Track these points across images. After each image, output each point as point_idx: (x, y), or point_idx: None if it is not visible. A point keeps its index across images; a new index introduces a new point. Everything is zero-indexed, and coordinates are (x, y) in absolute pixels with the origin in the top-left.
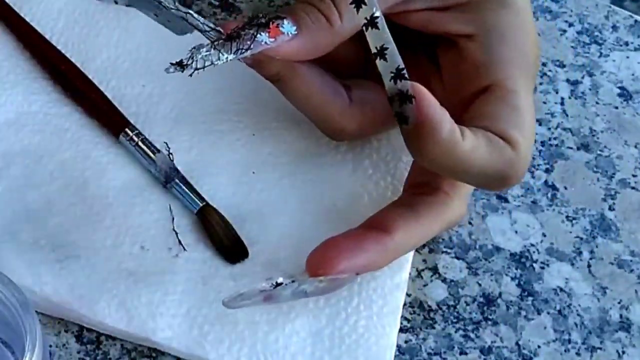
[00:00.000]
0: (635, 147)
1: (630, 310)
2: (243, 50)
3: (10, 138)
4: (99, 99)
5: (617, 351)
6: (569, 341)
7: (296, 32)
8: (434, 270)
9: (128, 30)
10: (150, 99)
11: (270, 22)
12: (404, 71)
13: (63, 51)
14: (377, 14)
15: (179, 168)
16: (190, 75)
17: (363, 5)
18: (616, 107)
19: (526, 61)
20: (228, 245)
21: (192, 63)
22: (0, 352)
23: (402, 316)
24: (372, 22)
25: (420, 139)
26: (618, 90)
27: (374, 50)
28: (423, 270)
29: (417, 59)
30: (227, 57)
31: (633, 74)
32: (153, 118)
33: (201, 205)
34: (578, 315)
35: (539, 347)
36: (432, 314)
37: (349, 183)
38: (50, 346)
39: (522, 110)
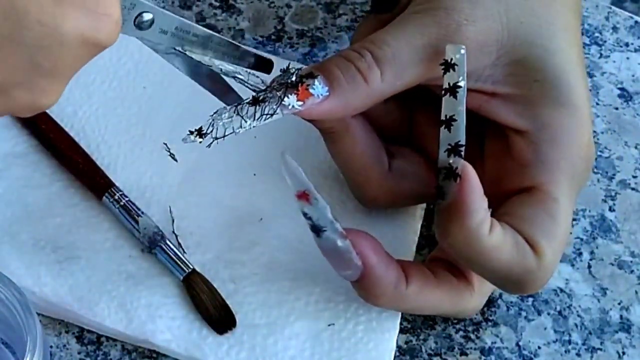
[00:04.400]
0: (636, 148)
1: (631, 311)
2: (268, 116)
3: (10, 140)
4: (82, 161)
5: (617, 352)
6: (569, 342)
7: (328, 93)
8: None
9: None
10: (152, 100)
11: (300, 84)
12: (462, 149)
13: None
14: (461, 84)
15: (181, 168)
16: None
17: (451, 70)
18: (616, 108)
19: (574, 168)
20: (215, 315)
21: (211, 131)
22: (1, 353)
23: (402, 317)
24: (452, 90)
25: (449, 219)
26: (618, 91)
27: (442, 117)
28: None
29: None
30: (250, 124)
31: (633, 75)
32: (154, 119)
33: (187, 272)
34: (578, 316)
35: (539, 347)
36: (432, 315)
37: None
38: (51, 347)
39: (559, 221)
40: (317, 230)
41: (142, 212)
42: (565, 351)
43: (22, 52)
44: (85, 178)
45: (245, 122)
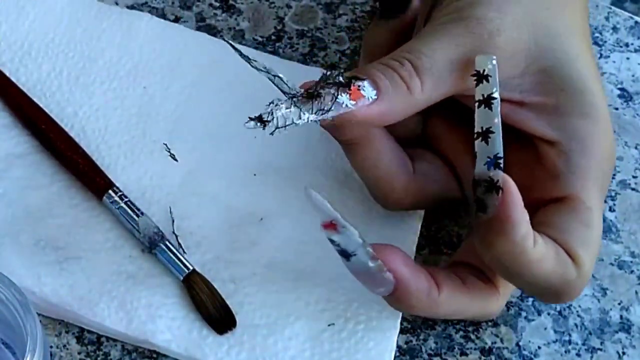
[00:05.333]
0: (636, 148)
1: (631, 311)
2: (324, 112)
3: (10, 140)
4: (82, 161)
5: (618, 352)
6: (569, 342)
7: (376, 97)
8: None
9: (130, 31)
10: (152, 100)
11: (352, 83)
12: (502, 160)
13: (65, 51)
14: (495, 95)
15: (181, 168)
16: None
17: (484, 82)
18: (616, 109)
19: (602, 176)
20: (215, 315)
21: (272, 120)
22: (1, 353)
23: (402, 317)
24: (487, 101)
25: (493, 234)
26: (618, 92)
27: (477, 129)
28: None
29: None
30: (308, 117)
31: (633, 75)
32: (155, 119)
33: (187, 272)
34: (578, 316)
35: (539, 347)
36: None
37: (349, 186)
38: (51, 347)
39: (594, 229)
40: (346, 255)
41: (142, 212)
42: (565, 351)
43: None
44: (85, 178)
45: (304, 114)
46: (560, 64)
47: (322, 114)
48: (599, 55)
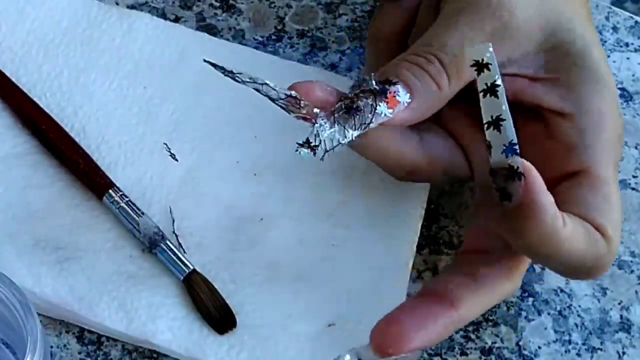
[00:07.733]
0: (636, 148)
1: (631, 311)
2: (365, 126)
3: (10, 140)
4: (83, 161)
5: (618, 352)
6: (570, 342)
7: (410, 100)
8: (435, 271)
9: (130, 32)
10: (152, 100)
11: (387, 90)
12: (517, 146)
13: (65, 52)
14: (499, 82)
15: (181, 168)
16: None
17: (486, 70)
18: None
19: (615, 147)
20: (216, 315)
21: (320, 144)
22: (1, 353)
23: None
24: (491, 89)
25: (523, 220)
26: (618, 92)
27: (487, 119)
28: (424, 271)
29: None
30: (352, 134)
31: (633, 75)
32: (155, 120)
33: (187, 272)
34: (578, 316)
35: (539, 347)
36: None
37: (349, 186)
38: (52, 347)
39: (613, 201)
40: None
41: (143, 212)
42: (565, 351)
43: None
44: (85, 178)
45: (348, 132)
46: (573, 42)
47: (364, 128)
48: None
